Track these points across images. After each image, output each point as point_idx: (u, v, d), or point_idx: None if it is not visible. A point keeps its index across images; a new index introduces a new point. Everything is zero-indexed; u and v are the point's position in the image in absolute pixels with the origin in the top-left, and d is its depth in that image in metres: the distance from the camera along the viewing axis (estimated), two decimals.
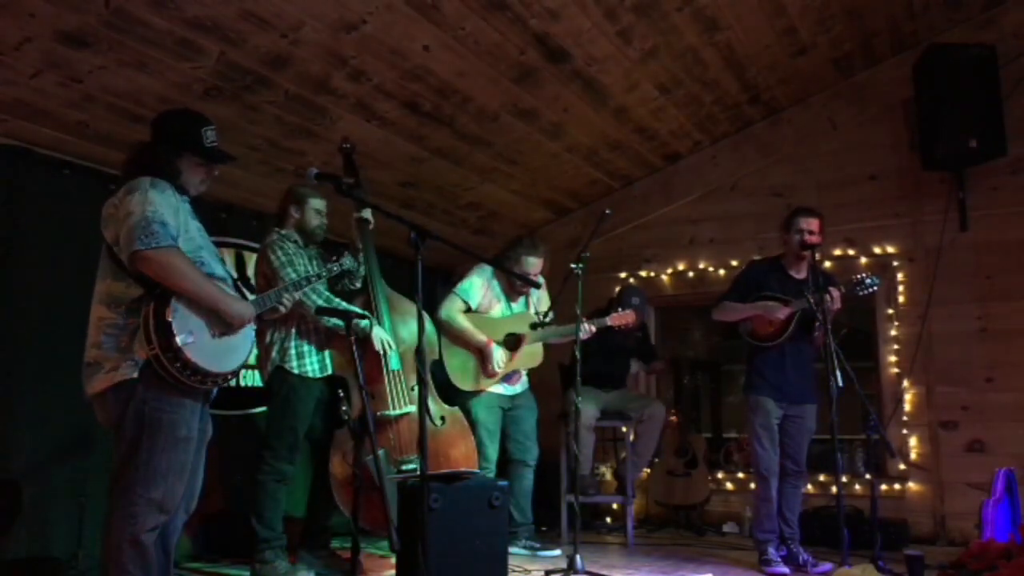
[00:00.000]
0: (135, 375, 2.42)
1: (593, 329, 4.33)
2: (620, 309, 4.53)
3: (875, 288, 4.12)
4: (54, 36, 3.18)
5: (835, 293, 3.99)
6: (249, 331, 2.70)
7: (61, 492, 3.63)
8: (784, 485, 4.13)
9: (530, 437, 4.58)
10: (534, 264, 4.45)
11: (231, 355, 2.61)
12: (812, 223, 4.11)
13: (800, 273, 4.19)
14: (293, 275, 3.53)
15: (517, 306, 4.60)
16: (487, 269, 4.53)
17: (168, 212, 2.48)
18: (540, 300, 4.63)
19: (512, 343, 4.43)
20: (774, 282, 4.17)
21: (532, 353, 4.49)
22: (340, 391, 3.70)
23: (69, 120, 3.71)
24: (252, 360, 4.54)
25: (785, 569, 3.93)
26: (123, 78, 3.52)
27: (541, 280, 4.47)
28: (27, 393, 3.56)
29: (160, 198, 2.48)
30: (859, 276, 4.12)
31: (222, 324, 2.56)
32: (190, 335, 2.45)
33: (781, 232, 4.26)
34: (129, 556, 2.39)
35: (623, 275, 6.07)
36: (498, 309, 4.53)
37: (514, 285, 4.50)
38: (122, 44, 3.31)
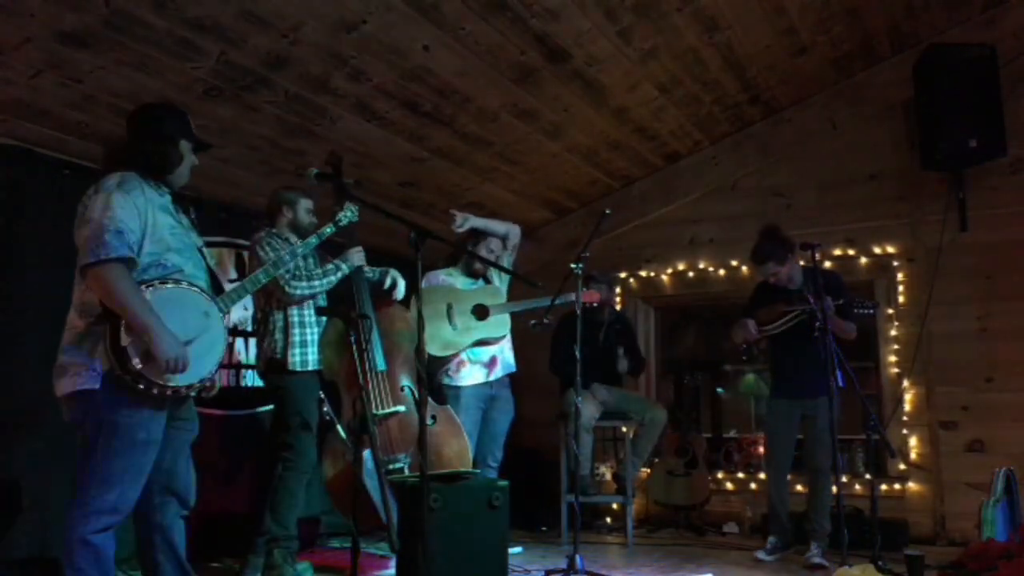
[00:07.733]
0: (97, 386, 2.46)
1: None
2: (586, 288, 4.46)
3: (872, 311, 4.41)
4: (54, 36, 3.18)
5: (829, 301, 4.06)
6: (217, 339, 2.64)
7: (61, 492, 3.61)
8: (810, 485, 4.35)
9: (496, 440, 4.48)
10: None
11: (195, 365, 2.54)
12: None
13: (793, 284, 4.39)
14: (281, 270, 3.52)
15: (477, 283, 4.60)
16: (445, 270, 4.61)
17: (129, 215, 2.47)
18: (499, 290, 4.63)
19: (480, 313, 4.44)
20: (776, 294, 4.37)
21: (499, 322, 4.46)
22: (321, 393, 3.67)
23: (69, 120, 3.71)
24: (253, 360, 4.59)
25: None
26: (123, 78, 3.52)
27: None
28: (26, 393, 3.56)
29: (123, 200, 2.47)
30: (861, 299, 4.40)
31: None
32: (148, 357, 2.43)
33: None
34: (81, 555, 2.44)
35: (623, 275, 6.07)
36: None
37: (476, 267, 4.56)
38: (122, 44, 3.31)
